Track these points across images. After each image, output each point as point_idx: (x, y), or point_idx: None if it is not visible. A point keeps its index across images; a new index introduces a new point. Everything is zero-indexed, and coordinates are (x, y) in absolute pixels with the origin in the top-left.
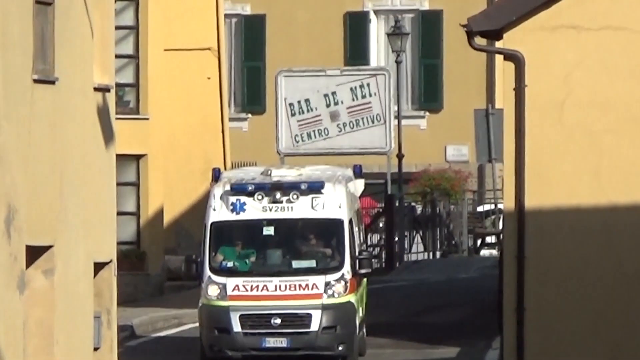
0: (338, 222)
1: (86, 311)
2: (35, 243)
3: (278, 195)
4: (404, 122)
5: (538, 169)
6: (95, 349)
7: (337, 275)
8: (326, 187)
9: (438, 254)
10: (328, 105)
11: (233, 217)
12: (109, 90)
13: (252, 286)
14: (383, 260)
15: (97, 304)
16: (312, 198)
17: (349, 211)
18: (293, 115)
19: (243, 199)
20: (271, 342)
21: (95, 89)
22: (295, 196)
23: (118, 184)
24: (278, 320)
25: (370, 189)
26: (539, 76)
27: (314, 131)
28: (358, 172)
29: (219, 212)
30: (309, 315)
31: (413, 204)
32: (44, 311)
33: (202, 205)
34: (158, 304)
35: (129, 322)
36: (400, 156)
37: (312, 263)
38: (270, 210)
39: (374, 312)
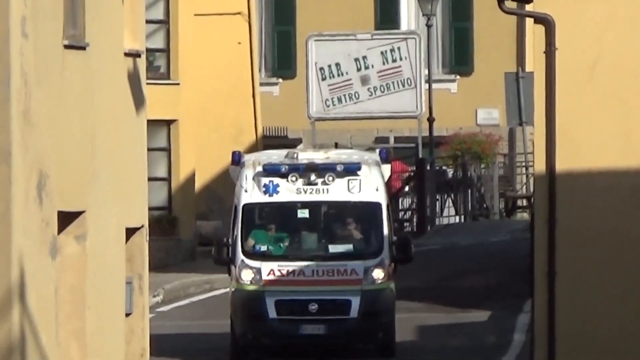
0: (376, 206)
1: (118, 277)
2: (67, 209)
3: (313, 177)
4: (434, 85)
5: (568, 132)
6: (127, 315)
7: (376, 260)
8: (363, 169)
9: (469, 217)
10: (359, 69)
11: (266, 199)
12: (139, 56)
13: (287, 271)
14: (414, 223)
15: (128, 270)
16: (349, 180)
17: (386, 194)
18: (324, 79)
19: (276, 180)
20: (308, 330)
21: (126, 55)
22: (330, 178)
23: (149, 150)
24: (315, 307)
25: (401, 152)
26: (569, 39)
27: (344, 95)
28: (385, 157)
29: (250, 194)
30: (349, 302)
31: (444, 167)
32: (76, 277)
33: None
34: (190, 269)
35: (161, 288)
36: (431, 120)
37: (349, 248)
38: (305, 192)
39: (405, 276)
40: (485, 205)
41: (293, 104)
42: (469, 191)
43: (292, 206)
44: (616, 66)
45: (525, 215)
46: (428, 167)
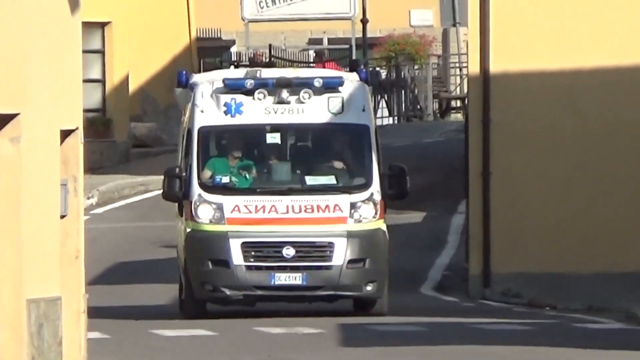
0: (362, 129)
1: (53, 179)
2: (1, 111)
3: (285, 94)
4: None
5: (503, 33)
6: (62, 217)
7: (365, 194)
8: (346, 84)
9: (403, 118)
10: None
11: (227, 120)
12: None
13: (256, 207)
14: None
15: (63, 172)
16: (329, 98)
17: (373, 116)
18: None
19: (240, 98)
20: (282, 279)
21: None
22: (306, 95)
23: (83, 52)
24: (291, 251)
25: (335, 54)
26: None
27: None
28: (364, 78)
29: (207, 115)
30: (331, 245)
31: (378, 68)
32: (11, 178)
33: (167, 72)
34: (124, 171)
35: (95, 189)
36: (364, 21)
37: (331, 179)
38: (276, 112)
39: None
40: (419, 107)
41: (227, 5)
42: (403, 92)
43: (259, 129)
44: None
45: (459, 116)
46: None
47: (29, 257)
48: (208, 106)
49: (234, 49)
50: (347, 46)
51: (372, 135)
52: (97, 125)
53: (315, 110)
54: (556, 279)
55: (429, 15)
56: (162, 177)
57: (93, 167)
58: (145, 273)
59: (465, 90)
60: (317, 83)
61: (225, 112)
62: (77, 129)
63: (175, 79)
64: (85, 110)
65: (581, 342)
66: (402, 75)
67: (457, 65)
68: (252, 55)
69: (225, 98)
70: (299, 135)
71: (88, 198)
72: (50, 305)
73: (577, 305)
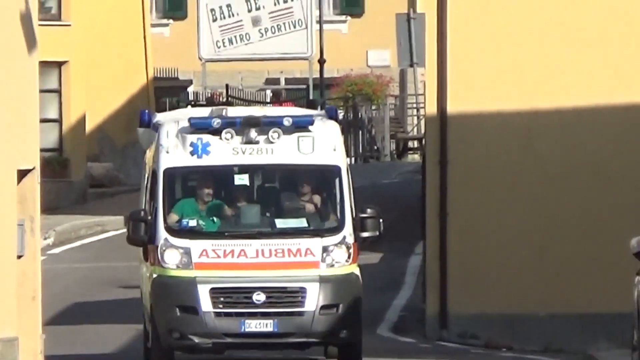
0: (334, 169)
1: (9, 219)
2: None
3: (253, 134)
4: (325, 26)
5: (460, 74)
6: (19, 257)
7: (337, 238)
8: (316, 123)
9: (360, 159)
10: (250, 10)
11: (194, 161)
12: None
13: (225, 251)
14: None
15: (20, 212)
16: (299, 138)
17: (344, 156)
18: (214, 20)
19: (206, 138)
20: (252, 326)
21: None
22: (276, 135)
23: (40, 91)
24: (262, 297)
25: (292, 94)
26: None
27: (235, 36)
28: (334, 115)
29: (173, 155)
30: (303, 290)
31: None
32: None
33: (124, 112)
34: (81, 211)
35: (52, 230)
36: (321, 61)
37: (302, 222)
38: (244, 152)
39: None
40: (376, 147)
41: (184, 45)
42: (360, 133)
43: (227, 170)
44: (507, 8)
45: (417, 157)
46: (319, 109)
47: None
48: (173, 146)
49: (191, 89)
50: (304, 86)
51: (343, 175)
52: (54, 165)
53: (285, 150)
54: (513, 320)
55: (386, 56)
56: (125, 220)
57: (50, 207)
58: (102, 313)
59: (423, 130)
60: (287, 122)
61: (192, 153)
62: (34, 168)
63: (133, 118)
64: (42, 150)
65: None
66: (360, 116)
67: (415, 105)
68: (209, 95)
69: (192, 138)
70: (268, 176)
71: (45, 238)
72: (7, 346)
73: (533, 346)
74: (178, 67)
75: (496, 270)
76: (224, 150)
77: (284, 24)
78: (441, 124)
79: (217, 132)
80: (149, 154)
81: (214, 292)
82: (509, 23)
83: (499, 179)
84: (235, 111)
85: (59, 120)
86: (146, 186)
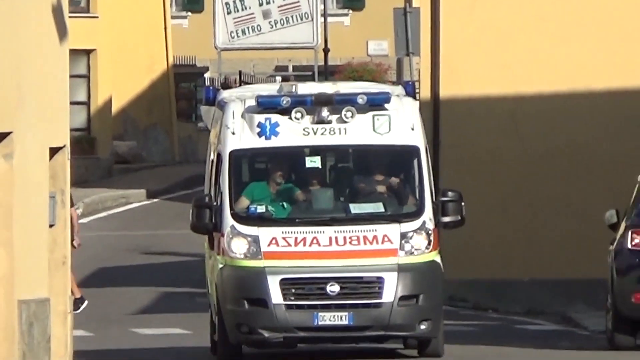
0: (412, 150)
1: (42, 192)
2: None
3: (325, 113)
4: (329, 19)
5: (451, 62)
6: (50, 226)
7: (416, 223)
8: (393, 101)
9: None
10: (261, 4)
11: (262, 143)
12: None
13: (296, 239)
14: None
15: (52, 185)
16: (374, 117)
17: (424, 136)
18: (229, 13)
19: (275, 118)
20: (326, 319)
21: None
22: (349, 114)
23: (70, 77)
24: (336, 287)
25: (298, 80)
26: None
27: (247, 28)
28: (411, 92)
29: (240, 137)
30: (380, 280)
31: None
32: (4, 192)
33: (146, 96)
34: (107, 185)
35: (81, 202)
36: (326, 50)
37: (378, 207)
38: (315, 133)
39: None
40: None
41: (201, 35)
42: None
43: (298, 152)
44: (495, 3)
45: None
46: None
47: (21, 262)
48: (240, 127)
49: (207, 75)
50: (310, 73)
51: (422, 156)
52: (83, 143)
53: (359, 130)
54: (498, 285)
55: (384, 45)
56: (190, 206)
57: (79, 181)
58: (126, 277)
59: None
60: (361, 100)
61: (259, 134)
62: (64, 146)
63: (154, 102)
64: (72, 130)
65: (522, 341)
66: None
67: None
68: (224, 80)
69: (259, 118)
70: (341, 158)
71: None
72: (40, 306)
73: (517, 309)
74: (196, 56)
75: (484, 241)
76: (294, 131)
77: (292, 16)
78: (434, 108)
79: (286, 111)
80: (213, 133)
81: (285, 283)
82: (496, 17)
83: (486, 159)
84: (306, 88)
85: (87, 103)
86: (210, 169)
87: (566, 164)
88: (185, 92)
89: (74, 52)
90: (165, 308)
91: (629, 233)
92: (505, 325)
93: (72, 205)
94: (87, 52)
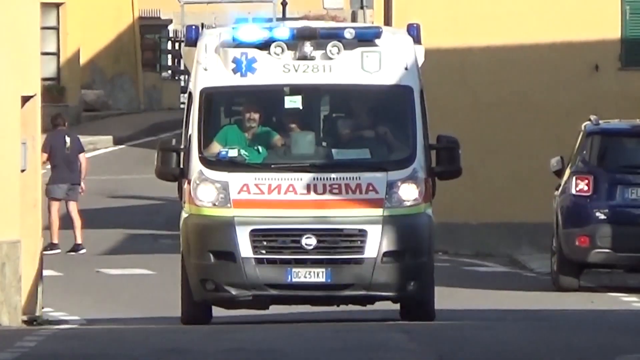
0: (404, 91)
1: (14, 138)
2: None
3: (308, 48)
4: None
5: (403, 15)
6: (22, 171)
7: (406, 172)
8: (384, 36)
9: None
10: None
11: (236, 80)
12: None
13: (270, 187)
14: None
15: (23, 132)
16: (363, 53)
17: (419, 77)
18: None
19: (252, 53)
20: (301, 275)
21: None
22: (335, 49)
23: (41, 28)
24: (312, 240)
25: None
26: None
27: None
28: (415, 35)
29: (212, 73)
30: (363, 233)
31: None
32: None
33: (113, 46)
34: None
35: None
36: (284, 4)
37: (364, 153)
38: (296, 70)
39: None
40: None
41: None
42: None
43: (276, 91)
44: None
45: None
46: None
47: None
48: (213, 63)
49: (171, 27)
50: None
51: (416, 98)
52: (53, 92)
53: (346, 67)
54: (448, 228)
55: None
56: (156, 150)
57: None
58: (93, 220)
59: None
60: (349, 34)
61: (234, 70)
62: (35, 95)
63: (121, 52)
64: (43, 79)
65: (472, 283)
66: None
67: None
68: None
69: (234, 53)
70: (325, 98)
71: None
72: (11, 247)
73: (466, 251)
74: (160, 9)
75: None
76: (273, 67)
77: None
78: None
79: (265, 45)
80: (193, 75)
81: (255, 234)
82: None
83: (437, 109)
84: (288, 23)
85: (57, 54)
86: (185, 111)
87: (514, 113)
88: (150, 43)
89: (44, 5)
90: (131, 249)
91: (574, 179)
92: (455, 267)
93: (82, 150)
94: (57, 5)
